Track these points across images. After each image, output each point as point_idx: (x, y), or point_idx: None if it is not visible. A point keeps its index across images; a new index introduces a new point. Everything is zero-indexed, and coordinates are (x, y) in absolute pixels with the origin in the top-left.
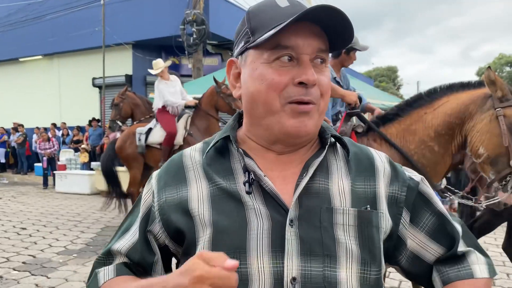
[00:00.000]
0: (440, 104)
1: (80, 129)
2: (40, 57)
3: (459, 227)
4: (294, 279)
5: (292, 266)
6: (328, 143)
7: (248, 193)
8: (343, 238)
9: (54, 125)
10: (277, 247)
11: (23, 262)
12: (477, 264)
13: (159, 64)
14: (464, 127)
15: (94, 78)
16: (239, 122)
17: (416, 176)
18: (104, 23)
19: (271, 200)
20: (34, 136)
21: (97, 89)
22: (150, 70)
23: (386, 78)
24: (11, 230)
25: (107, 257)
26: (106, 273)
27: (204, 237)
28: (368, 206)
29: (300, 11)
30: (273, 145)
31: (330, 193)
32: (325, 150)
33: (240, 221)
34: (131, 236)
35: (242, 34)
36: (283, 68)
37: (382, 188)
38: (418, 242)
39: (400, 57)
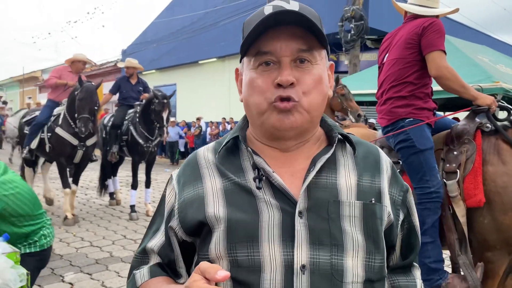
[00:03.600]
0: None
1: None
2: (214, 59)
3: (419, 242)
4: (303, 266)
5: (301, 254)
6: (336, 141)
7: (258, 188)
8: (349, 229)
9: (224, 119)
10: (287, 237)
11: None
12: (419, 279)
13: None
14: None
15: None
16: (247, 122)
17: (406, 184)
18: None
19: (280, 194)
20: (208, 129)
21: None
22: None
23: None
24: None
25: (142, 256)
26: (142, 275)
27: (219, 228)
28: (373, 199)
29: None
30: (273, 142)
31: (337, 187)
32: (333, 148)
33: (252, 213)
34: (161, 235)
35: (240, 44)
36: (265, 72)
37: (386, 186)
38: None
39: None
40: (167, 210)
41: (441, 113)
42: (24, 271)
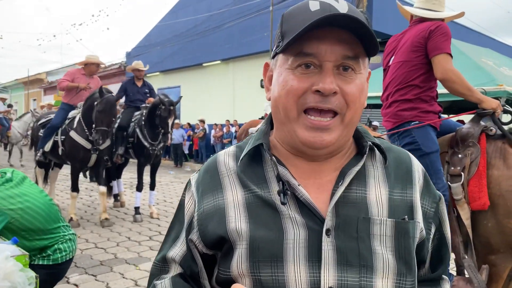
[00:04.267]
0: None
1: None
2: (218, 62)
3: (450, 254)
4: None
5: (328, 276)
6: (367, 152)
7: (283, 203)
8: (379, 249)
9: (228, 121)
10: (314, 257)
11: None
12: None
13: None
14: None
15: (262, 80)
16: (271, 125)
17: (438, 193)
18: (272, 28)
19: (306, 210)
20: (212, 131)
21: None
22: None
23: None
24: None
25: (163, 264)
26: (163, 286)
27: (241, 245)
28: (406, 216)
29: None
30: (299, 152)
31: (368, 202)
32: (363, 159)
33: (277, 230)
34: (182, 245)
35: (277, 38)
36: (304, 75)
37: (418, 198)
38: None
39: None
40: (187, 219)
41: (446, 116)
42: (33, 274)
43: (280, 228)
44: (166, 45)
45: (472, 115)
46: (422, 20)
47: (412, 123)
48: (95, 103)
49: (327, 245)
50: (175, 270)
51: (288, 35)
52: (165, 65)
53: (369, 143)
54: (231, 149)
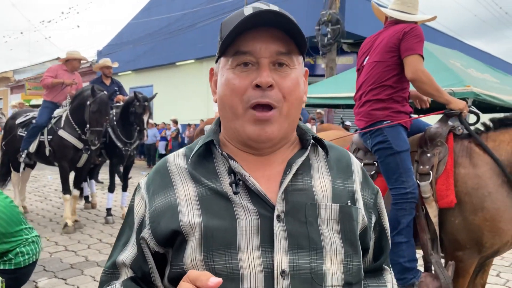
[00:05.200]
0: None
1: None
2: (192, 61)
3: (390, 245)
4: (283, 271)
5: (281, 260)
6: (310, 144)
7: (235, 193)
8: (327, 232)
9: (202, 121)
10: (266, 242)
11: None
12: (390, 283)
13: None
14: None
15: None
16: (220, 126)
17: (376, 186)
18: None
19: (257, 199)
20: (186, 132)
21: None
22: None
23: None
24: None
25: (113, 271)
26: None
27: (194, 236)
28: (349, 201)
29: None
30: (247, 148)
31: (313, 190)
32: (308, 151)
33: (230, 219)
34: (133, 248)
35: (218, 44)
36: (244, 73)
37: (358, 189)
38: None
39: None
40: (137, 221)
41: (415, 116)
42: None
43: (232, 217)
44: (139, 43)
45: (440, 115)
46: (397, 22)
47: (384, 123)
48: (88, 102)
49: (279, 230)
50: (126, 274)
51: (226, 39)
52: (137, 64)
53: (311, 137)
54: (181, 150)
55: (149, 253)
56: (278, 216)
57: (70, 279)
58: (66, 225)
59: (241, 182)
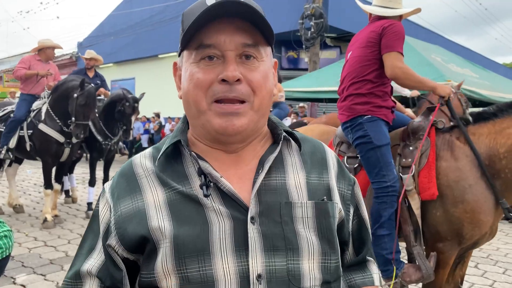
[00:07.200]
0: None
1: None
2: (174, 53)
3: (370, 235)
4: (259, 276)
5: (256, 263)
6: (282, 139)
7: (206, 196)
8: (303, 231)
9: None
10: (241, 246)
11: None
12: (376, 273)
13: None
14: None
15: None
16: (188, 124)
17: (353, 177)
18: None
19: (230, 200)
20: (168, 125)
21: None
22: None
23: None
24: None
25: (75, 281)
26: None
27: (165, 243)
28: (325, 197)
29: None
30: (216, 144)
31: (287, 188)
32: (279, 146)
33: (202, 224)
34: (99, 255)
35: (180, 36)
36: (208, 67)
37: (334, 182)
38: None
39: None
40: (103, 227)
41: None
42: None
43: (204, 221)
44: (120, 35)
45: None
46: (380, 17)
47: (365, 117)
48: (75, 95)
49: (253, 233)
50: (91, 285)
51: (187, 31)
52: (119, 56)
53: (283, 130)
54: (147, 150)
55: (119, 259)
56: (252, 218)
57: (49, 275)
58: (45, 220)
59: (212, 183)
